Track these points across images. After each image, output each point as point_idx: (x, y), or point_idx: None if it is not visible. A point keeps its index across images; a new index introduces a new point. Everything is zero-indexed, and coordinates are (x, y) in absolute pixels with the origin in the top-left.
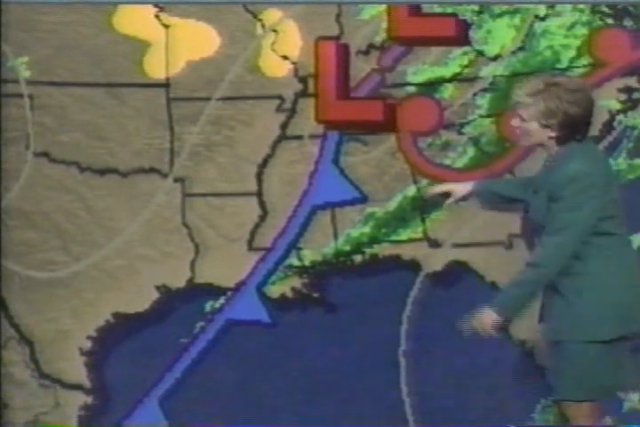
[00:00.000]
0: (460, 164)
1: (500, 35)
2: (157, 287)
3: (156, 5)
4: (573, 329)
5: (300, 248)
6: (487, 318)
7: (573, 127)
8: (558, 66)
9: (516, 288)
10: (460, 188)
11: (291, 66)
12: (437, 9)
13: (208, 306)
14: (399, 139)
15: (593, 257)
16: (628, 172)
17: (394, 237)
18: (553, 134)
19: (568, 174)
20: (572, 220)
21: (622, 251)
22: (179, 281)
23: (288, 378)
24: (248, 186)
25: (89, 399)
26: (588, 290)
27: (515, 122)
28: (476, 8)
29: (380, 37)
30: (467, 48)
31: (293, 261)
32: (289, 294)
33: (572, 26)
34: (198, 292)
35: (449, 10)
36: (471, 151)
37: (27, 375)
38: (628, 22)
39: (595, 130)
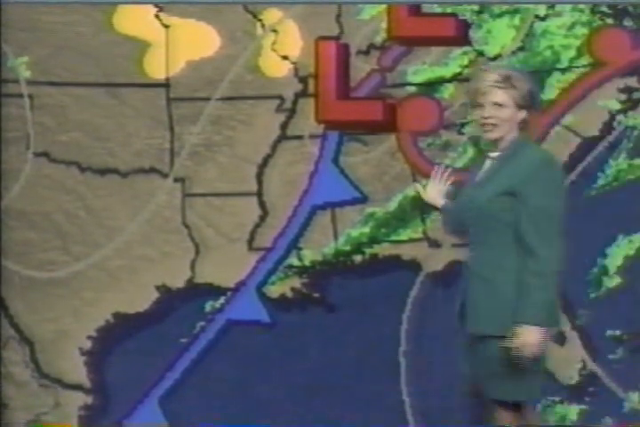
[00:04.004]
0: (459, 164)
1: (500, 35)
2: (157, 287)
3: (155, 5)
4: (504, 325)
5: (300, 248)
6: (532, 335)
7: (534, 111)
8: (558, 66)
9: (543, 294)
10: (436, 198)
11: (291, 66)
12: (437, 9)
13: (208, 306)
14: (399, 139)
15: (513, 251)
16: (627, 172)
17: (394, 237)
18: (525, 116)
19: (537, 159)
20: (545, 205)
21: None
22: (179, 281)
23: (288, 378)
24: (248, 186)
25: (89, 399)
26: (509, 286)
27: (488, 112)
28: (475, 8)
29: (380, 37)
30: (467, 48)
31: (293, 261)
32: (289, 294)
33: (572, 26)
34: (198, 292)
35: (449, 10)
36: (471, 151)
37: (27, 375)
38: (627, 22)
39: (595, 130)
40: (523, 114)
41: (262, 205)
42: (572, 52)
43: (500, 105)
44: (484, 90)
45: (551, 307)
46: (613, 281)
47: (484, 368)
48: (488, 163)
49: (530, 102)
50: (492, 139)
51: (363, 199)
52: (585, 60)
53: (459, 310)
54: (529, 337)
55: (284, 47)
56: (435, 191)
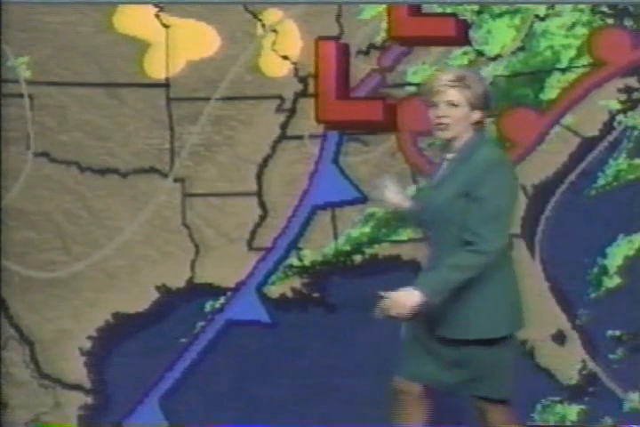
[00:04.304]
0: None
1: (500, 35)
2: (157, 287)
3: (156, 5)
4: (473, 327)
5: (299, 248)
6: (411, 299)
7: (488, 112)
8: (558, 66)
9: (454, 272)
10: (402, 202)
11: (291, 66)
12: (437, 9)
13: (208, 306)
14: (399, 139)
15: None
16: (627, 172)
17: (394, 237)
18: (479, 117)
19: (491, 158)
20: (497, 204)
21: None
22: (179, 281)
23: (288, 378)
24: (248, 186)
25: (89, 399)
26: (486, 286)
27: (442, 111)
28: (475, 8)
29: (379, 37)
30: (467, 48)
31: (293, 261)
32: (289, 294)
33: (572, 26)
34: (198, 292)
35: (449, 10)
36: None
37: (27, 375)
38: (628, 22)
39: (595, 130)
40: (477, 115)
41: (262, 205)
42: (572, 52)
43: (453, 104)
44: (439, 89)
45: (456, 286)
46: (613, 281)
47: (468, 370)
48: (444, 164)
49: (484, 103)
50: (445, 138)
51: (363, 199)
52: (585, 60)
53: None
54: (407, 298)
55: (284, 47)
56: (398, 197)
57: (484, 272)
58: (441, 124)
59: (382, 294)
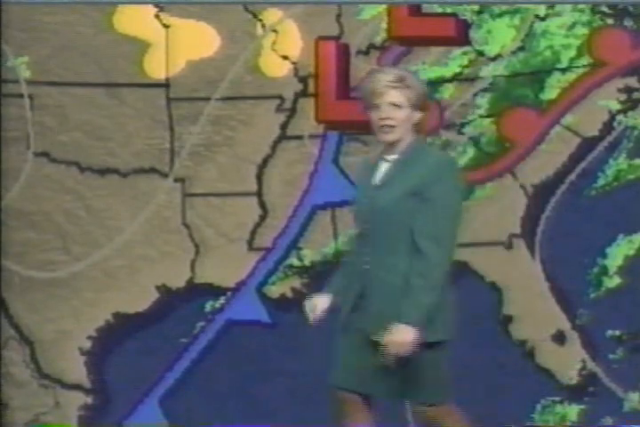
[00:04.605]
0: (460, 164)
1: (500, 35)
2: (157, 287)
3: (156, 5)
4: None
5: (299, 248)
6: (406, 336)
7: (427, 112)
8: (558, 66)
9: (430, 295)
10: (320, 302)
11: (291, 66)
12: (437, 9)
13: (208, 306)
14: None
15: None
16: (627, 172)
17: None
18: (419, 117)
19: (442, 160)
20: (450, 204)
21: None
22: (179, 281)
23: (288, 378)
24: (248, 186)
25: (89, 399)
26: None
27: (385, 112)
28: (475, 8)
29: (380, 37)
30: (467, 48)
31: (293, 261)
32: (289, 294)
33: (572, 26)
34: (198, 292)
35: (449, 10)
36: (471, 151)
37: (27, 375)
38: (628, 22)
39: (595, 130)
40: (418, 115)
41: (262, 205)
42: (572, 52)
43: (396, 105)
44: (380, 90)
45: (435, 311)
46: (613, 281)
47: (409, 376)
48: (385, 165)
49: (424, 103)
50: (390, 141)
51: None
52: (585, 60)
53: (348, 313)
54: (402, 336)
55: (284, 47)
56: (325, 305)
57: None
58: (385, 126)
59: (379, 341)
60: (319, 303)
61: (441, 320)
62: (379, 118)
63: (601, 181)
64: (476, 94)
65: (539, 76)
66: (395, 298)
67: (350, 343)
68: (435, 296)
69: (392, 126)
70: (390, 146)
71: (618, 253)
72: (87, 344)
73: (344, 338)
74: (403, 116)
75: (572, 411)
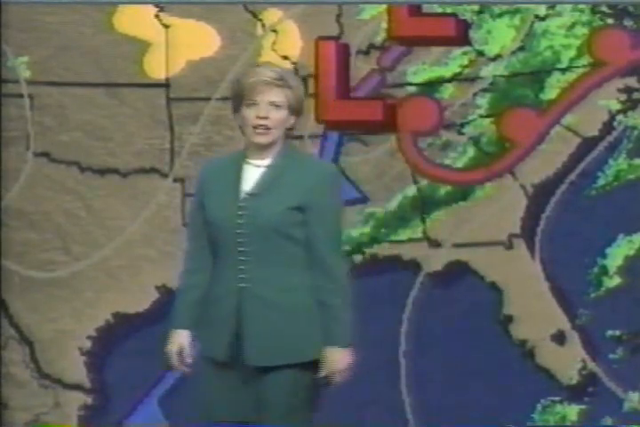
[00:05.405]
0: (459, 164)
1: (500, 35)
2: (157, 287)
3: (156, 5)
4: (303, 351)
5: None
6: (344, 359)
7: (299, 117)
8: (558, 66)
9: (348, 311)
10: (180, 340)
11: (291, 66)
12: (437, 9)
13: None
14: (399, 139)
15: (302, 269)
16: (627, 172)
17: (394, 237)
18: (292, 123)
19: (328, 170)
20: (339, 215)
21: None
22: (179, 281)
23: None
24: None
25: (89, 399)
26: (300, 307)
27: (264, 112)
28: (475, 8)
29: (380, 37)
30: (467, 48)
31: None
32: None
33: (572, 26)
34: None
35: (449, 10)
36: (471, 151)
37: (27, 375)
38: (628, 22)
39: (595, 130)
40: (292, 119)
41: None
42: (572, 52)
43: (276, 105)
44: (262, 87)
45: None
46: (613, 281)
47: (278, 401)
48: (253, 171)
49: (300, 107)
50: (264, 144)
51: (363, 199)
52: (585, 60)
53: (228, 342)
54: (342, 360)
55: (284, 47)
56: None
57: (309, 293)
58: (261, 126)
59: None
60: (183, 345)
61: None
62: (256, 117)
63: (601, 181)
64: (475, 94)
65: (539, 76)
66: (288, 317)
67: (230, 376)
68: (350, 310)
69: (268, 128)
70: (258, 149)
71: (618, 253)
72: (87, 344)
73: (219, 371)
74: (281, 118)
75: (572, 411)
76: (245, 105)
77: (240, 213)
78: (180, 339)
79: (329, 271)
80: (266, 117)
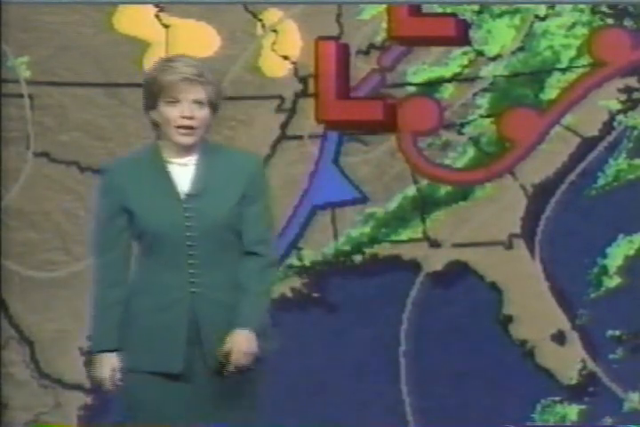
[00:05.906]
0: (459, 164)
1: (500, 35)
2: None
3: (156, 5)
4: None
5: (299, 248)
6: (251, 341)
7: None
8: (558, 66)
9: (266, 298)
10: (112, 363)
11: (291, 66)
12: (437, 9)
13: None
14: (399, 139)
15: (235, 266)
16: (627, 172)
17: (394, 237)
18: (211, 119)
19: (254, 159)
20: (268, 202)
21: None
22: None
23: (288, 378)
24: None
25: (89, 399)
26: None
27: (188, 110)
28: (475, 8)
29: (380, 37)
30: (467, 48)
31: (293, 261)
32: (289, 293)
33: (572, 26)
34: None
35: (449, 10)
36: (471, 151)
37: (27, 375)
38: (628, 22)
39: (595, 130)
40: (212, 116)
41: None
42: (572, 52)
43: (200, 103)
44: (184, 86)
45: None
46: (613, 281)
47: (243, 401)
48: (182, 170)
49: (219, 103)
50: (189, 145)
51: (363, 199)
52: (585, 60)
53: (183, 351)
54: (248, 344)
55: (284, 47)
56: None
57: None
58: (184, 126)
59: (220, 351)
60: (115, 368)
61: (270, 330)
62: (180, 116)
63: (601, 181)
64: (475, 94)
65: (539, 76)
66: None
67: (184, 387)
68: (269, 301)
69: (193, 128)
70: (179, 148)
71: (618, 253)
72: (87, 344)
73: (170, 383)
74: (205, 117)
75: (572, 411)
76: (165, 102)
77: (187, 215)
78: (112, 361)
79: (253, 258)
80: (191, 117)
